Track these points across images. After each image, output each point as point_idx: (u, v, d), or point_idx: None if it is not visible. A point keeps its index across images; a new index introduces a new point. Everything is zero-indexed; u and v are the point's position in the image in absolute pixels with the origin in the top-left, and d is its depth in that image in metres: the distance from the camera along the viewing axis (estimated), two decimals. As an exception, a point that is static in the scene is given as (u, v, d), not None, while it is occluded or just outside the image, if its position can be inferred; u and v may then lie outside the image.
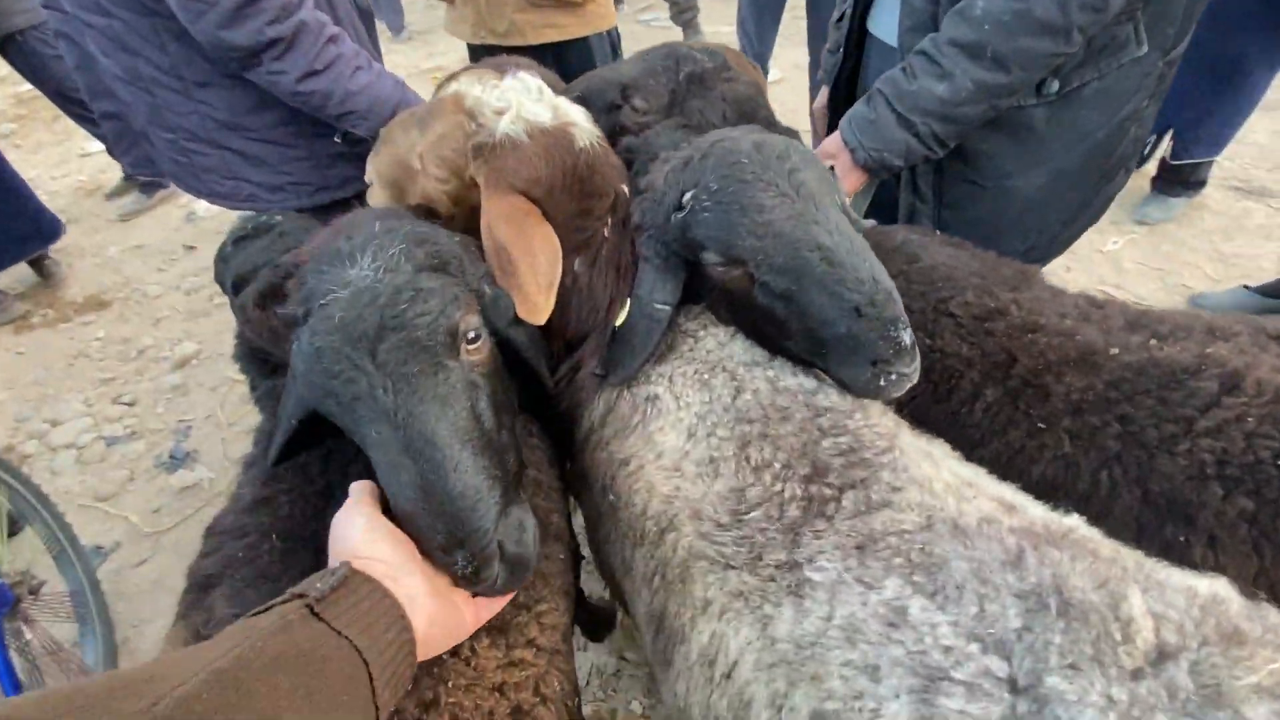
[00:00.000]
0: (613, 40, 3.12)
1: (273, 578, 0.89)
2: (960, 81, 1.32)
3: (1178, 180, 3.59)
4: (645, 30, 7.37)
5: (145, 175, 1.91)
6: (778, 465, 0.91)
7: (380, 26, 8.65)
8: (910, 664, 0.69)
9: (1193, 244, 3.56)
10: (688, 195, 1.03)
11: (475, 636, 0.84)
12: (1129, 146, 1.54)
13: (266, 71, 1.59)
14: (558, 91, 1.27)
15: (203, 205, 4.65)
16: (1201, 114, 3.29)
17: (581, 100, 1.31)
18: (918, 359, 0.94)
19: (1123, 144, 1.52)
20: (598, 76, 1.45)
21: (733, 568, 0.86)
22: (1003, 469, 1.12)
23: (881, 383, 0.94)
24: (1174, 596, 0.69)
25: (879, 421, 0.98)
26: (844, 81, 1.82)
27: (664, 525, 0.95)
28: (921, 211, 1.68)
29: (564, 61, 2.98)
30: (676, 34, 7.12)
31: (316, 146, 1.89)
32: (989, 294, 1.23)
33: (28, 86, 6.14)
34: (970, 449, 1.16)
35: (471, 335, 0.87)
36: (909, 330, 0.93)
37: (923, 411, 1.22)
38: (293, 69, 1.59)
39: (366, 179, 1.28)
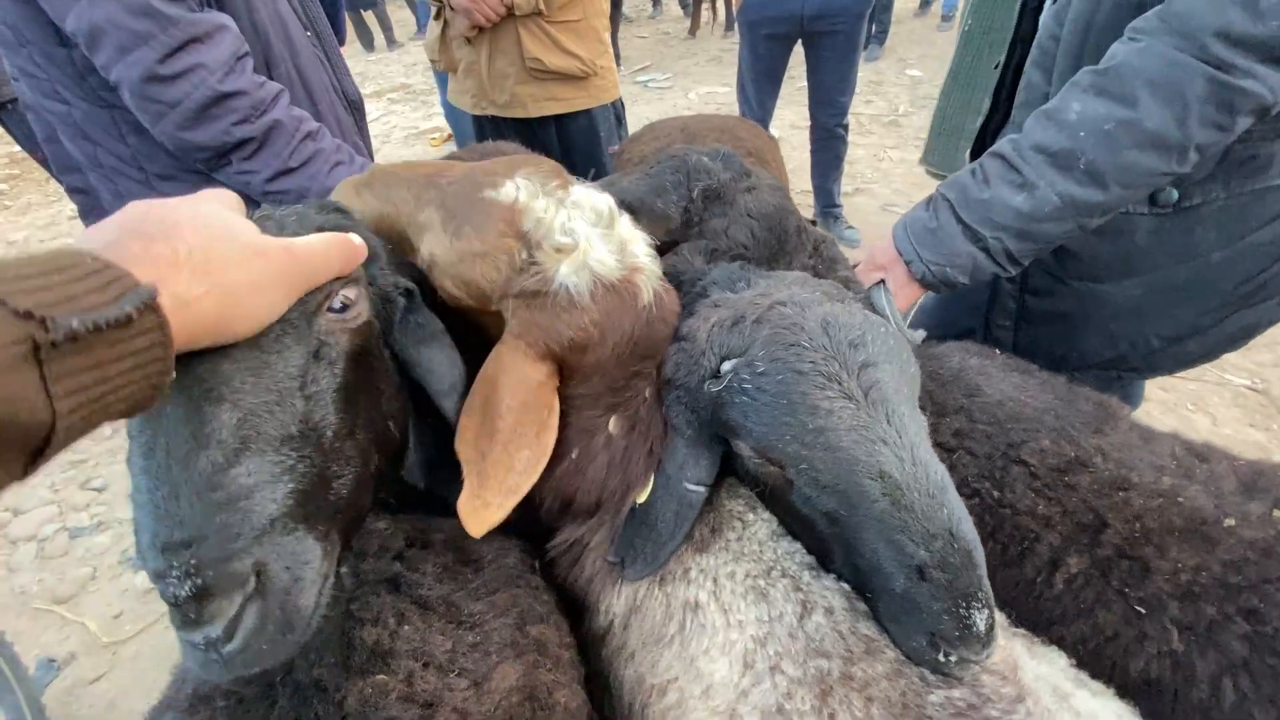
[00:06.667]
0: (617, 111, 3.05)
1: None
2: (1044, 194, 1.10)
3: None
4: (643, 91, 7.42)
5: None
6: None
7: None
8: None
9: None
10: (728, 364, 0.82)
11: None
12: (1276, 274, 1.31)
13: (235, 171, 1.45)
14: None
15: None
16: None
17: None
18: (995, 643, 0.72)
19: (1264, 272, 1.29)
20: None
21: None
22: (1092, 658, 0.93)
23: (940, 658, 0.71)
24: None
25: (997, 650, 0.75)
26: (990, 135, 1.62)
27: None
28: (1005, 290, 1.49)
29: (566, 133, 2.90)
30: (675, 96, 7.17)
31: None
32: (1068, 439, 1.03)
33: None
34: (1048, 626, 0.97)
35: (337, 305, 0.76)
36: (987, 610, 0.70)
37: (989, 574, 1.02)
38: (264, 168, 1.45)
39: (339, 197, 1.04)
